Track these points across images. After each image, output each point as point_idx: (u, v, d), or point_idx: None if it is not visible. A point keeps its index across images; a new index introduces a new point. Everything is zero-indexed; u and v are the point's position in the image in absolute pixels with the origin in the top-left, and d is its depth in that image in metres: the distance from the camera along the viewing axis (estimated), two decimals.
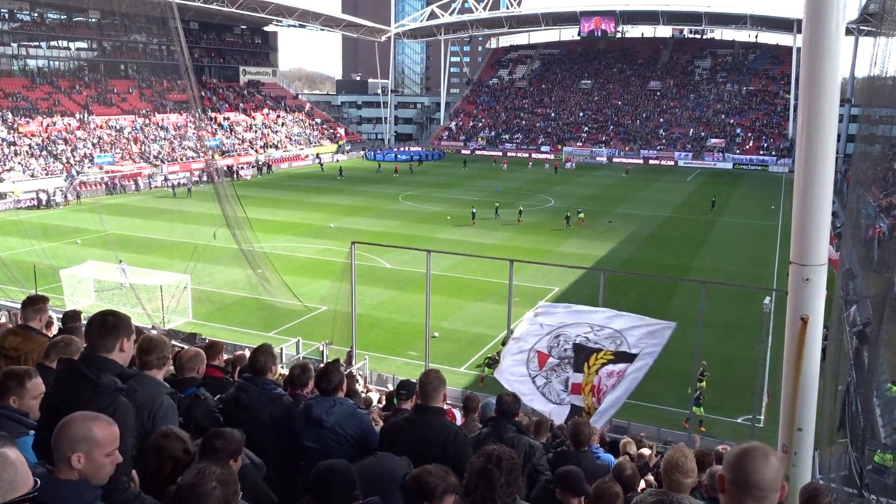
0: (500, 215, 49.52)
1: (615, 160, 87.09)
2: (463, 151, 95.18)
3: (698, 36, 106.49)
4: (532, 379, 10.75)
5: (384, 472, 4.34)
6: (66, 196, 56.19)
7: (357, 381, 16.83)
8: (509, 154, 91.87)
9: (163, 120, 78.00)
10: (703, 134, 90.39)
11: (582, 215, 49.07)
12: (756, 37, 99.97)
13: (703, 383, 21.85)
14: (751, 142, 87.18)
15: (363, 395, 13.08)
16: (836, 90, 5.68)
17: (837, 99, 5.72)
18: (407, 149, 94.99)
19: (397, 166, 77.86)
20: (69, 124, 68.96)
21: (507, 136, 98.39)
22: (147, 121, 76.58)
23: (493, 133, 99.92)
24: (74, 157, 64.13)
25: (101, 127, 71.28)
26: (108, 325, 4.18)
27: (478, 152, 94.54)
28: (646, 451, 10.38)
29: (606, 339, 10.41)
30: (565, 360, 10.68)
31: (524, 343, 10.93)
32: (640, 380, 10.23)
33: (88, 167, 63.64)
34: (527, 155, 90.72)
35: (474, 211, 49.05)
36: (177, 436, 3.97)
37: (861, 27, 69.14)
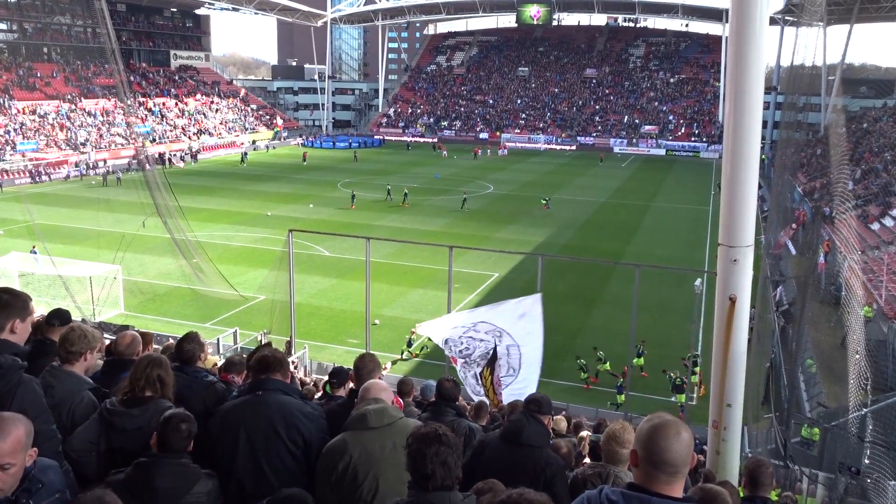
0: (393, 198, 51.00)
1: (559, 146, 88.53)
2: (416, 139, 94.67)
3: (632, 24, 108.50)
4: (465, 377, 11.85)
5: None
6: None
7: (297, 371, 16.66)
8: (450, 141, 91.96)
9: (90, 106, 75.15)
10: (637, 121, 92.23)
11: (545, 201, 50.43)
12: (687, 26, 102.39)
13: (643, 359, 22.37)
14: (683, 129, 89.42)
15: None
16: (761, 77, 5.86)
17: (762, 85, 5.91)
18: (347, 135, 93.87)
19: (305, 153, 75.72)
20: None
21: (445, 123, 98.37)
22: (73, 106, 73.61)
23: (431, 119, 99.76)
24: None
25: (23, 112, 68.20)
26: (1, 302, 3.94)
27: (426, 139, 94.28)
28: (584, 433, 10.62)
29: (487, 335, 11.61)
30: (469, 359, 11.82)
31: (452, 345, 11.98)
32: (540, 349, 11.72)
33: (11, 155, 60.87)
34: (465, 141, 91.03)
35: (353, 193, 50.39)
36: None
37: (786, 17, 71.46)
